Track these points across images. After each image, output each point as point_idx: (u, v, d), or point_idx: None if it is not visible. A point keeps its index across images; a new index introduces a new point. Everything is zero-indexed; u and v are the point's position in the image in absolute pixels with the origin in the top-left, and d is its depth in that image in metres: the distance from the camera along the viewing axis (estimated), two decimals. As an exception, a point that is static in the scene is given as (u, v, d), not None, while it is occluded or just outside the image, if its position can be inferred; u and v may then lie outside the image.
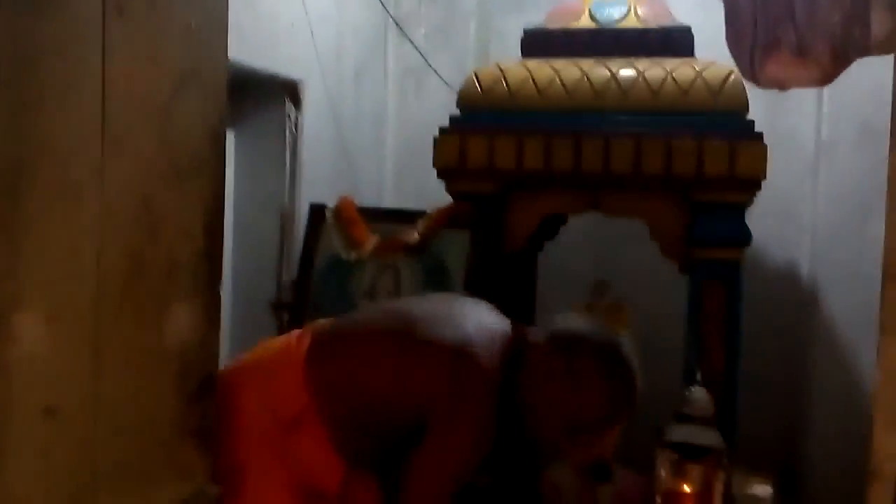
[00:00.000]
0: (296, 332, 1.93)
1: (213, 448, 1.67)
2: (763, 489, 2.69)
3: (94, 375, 1.38)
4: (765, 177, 2.57)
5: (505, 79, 2.80)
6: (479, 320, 1.79)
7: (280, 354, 1.85)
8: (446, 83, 3.60)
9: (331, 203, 2.93)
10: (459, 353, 1.69)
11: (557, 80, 2.75)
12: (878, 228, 3.28)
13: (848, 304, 3.29)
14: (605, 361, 1.74)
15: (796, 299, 3.48)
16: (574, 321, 1.85)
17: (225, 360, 3.29)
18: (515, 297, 3.07)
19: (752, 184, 2.59)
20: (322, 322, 1.94)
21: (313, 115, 3.24)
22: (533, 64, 2.83)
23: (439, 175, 2.88)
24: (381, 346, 1.79)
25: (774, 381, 3.39)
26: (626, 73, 2.73)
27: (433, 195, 3.26)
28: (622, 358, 1.76)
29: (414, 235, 2.76)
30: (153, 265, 1.47)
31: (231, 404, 1.74)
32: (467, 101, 2.86)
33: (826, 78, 1.19)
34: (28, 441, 1.23)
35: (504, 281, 2.81)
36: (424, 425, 1.68)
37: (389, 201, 3.87)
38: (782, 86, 1.23)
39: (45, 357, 1.24)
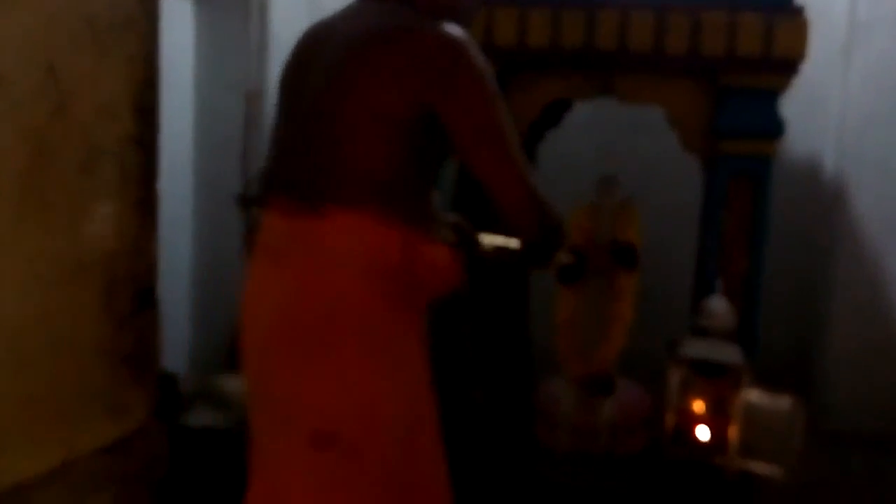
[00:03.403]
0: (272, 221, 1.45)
1: (153, 376, 1.38)
2: (781, 402, 2.45)
3: (-14, 296, 1.06)
4: (805, 57, 2.25)
5: (505, -64, 2.43)
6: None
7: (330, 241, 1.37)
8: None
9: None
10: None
11: (567, -62, 2.39)
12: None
13: (877, 204, 3.02)
14: None
15: (818, 197, 3.19)
16: None
17: (189, 266, 2.97)
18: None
19: (789, 65, 2.30)
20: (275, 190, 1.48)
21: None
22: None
23: (428, 53, 2.52)
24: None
25: (788, 287, 3.13)
26: (648, -69, 2.37)
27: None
28: None
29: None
30: (63, 152, 1.14)
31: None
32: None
33: None
34: None
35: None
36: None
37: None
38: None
39: None
